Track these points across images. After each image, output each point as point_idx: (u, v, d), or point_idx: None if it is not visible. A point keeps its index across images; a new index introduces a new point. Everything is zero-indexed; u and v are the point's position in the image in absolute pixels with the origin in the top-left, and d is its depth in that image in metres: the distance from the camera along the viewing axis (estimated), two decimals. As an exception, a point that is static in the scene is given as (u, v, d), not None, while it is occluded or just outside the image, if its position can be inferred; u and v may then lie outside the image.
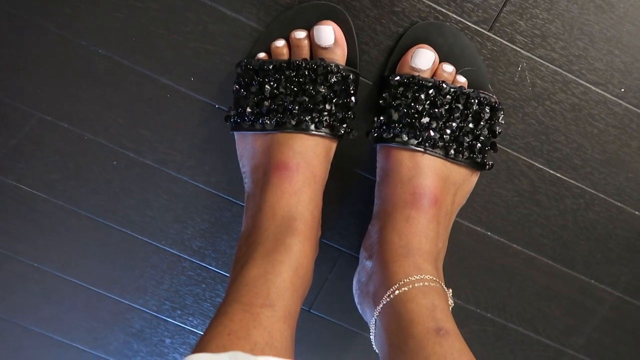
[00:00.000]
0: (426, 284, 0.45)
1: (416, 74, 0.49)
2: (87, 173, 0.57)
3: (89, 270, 0.62)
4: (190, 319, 0.64)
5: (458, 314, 0.61)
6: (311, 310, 0.62)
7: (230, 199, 0.58)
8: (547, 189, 0.56)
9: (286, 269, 0.44)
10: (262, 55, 0.50)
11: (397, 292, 0.45)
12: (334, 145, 0.51)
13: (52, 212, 0.59)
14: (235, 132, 0.52)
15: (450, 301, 0.48)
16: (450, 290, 0.48)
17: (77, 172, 0.57)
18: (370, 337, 0.48)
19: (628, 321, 0.62)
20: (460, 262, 0.60)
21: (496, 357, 0.64)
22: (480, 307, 0.61)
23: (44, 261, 0.61)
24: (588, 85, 0.53)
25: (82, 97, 0.54)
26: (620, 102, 0.53)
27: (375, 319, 0.47)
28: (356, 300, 0.54)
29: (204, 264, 0.61)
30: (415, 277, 0.45)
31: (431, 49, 0.50)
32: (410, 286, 0.45)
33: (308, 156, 0.48)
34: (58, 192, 0.58)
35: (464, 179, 0.51)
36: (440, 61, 0.51)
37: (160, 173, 0.57)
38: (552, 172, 0.56)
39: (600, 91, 0.53)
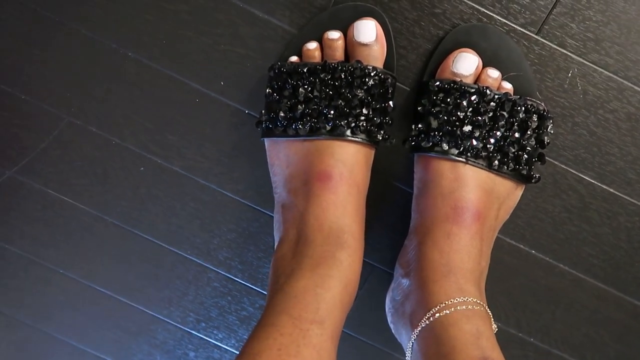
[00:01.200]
0: (469, 307, 0.42)
1: (458, 79, 0.46)
2: (114, 179, 0.56)
3: (114, 278, 0.60)
4: (214, 332, 0.61)
5: (497, 337, 0.57)
6: (341, 328, 0.59)
7: (259, 208, 0.56)
8: (598, 205, 0.52)
9: (336, 284, 0.41)
10: (294, 58, 0.48)
11: (437, 315, 0.42)
12: (372, 153, 0.48)
13: (78, 217, 0.58)
14: (266, 139, 0.49)
15: (494, 326, 0.44)
16: (492, 318, 0.44)
17: (104, 178, 0.56)
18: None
19: (686, 351, 0.57)
20: (501, 281, 0.56)
21: (539, 385, 0.59)
22: (522, 331, 0.57)
23: (69, 267, 0.60)
24: (646, 93, 0.49)
25: (111, 100, 0.53)
26: (682, 111, 0.49)
27: (412, 343, 0.43)
28: (389, 319, 0.50)
29: (230, 276, 0.59)
30: (458, 299, 0.42)
31: (474, 53, 0.47)
32: (453, 309, 0.41)
33: (350, 164, 0.45)
34: (85, 198, 0.57)
35: (509, 193, 0.48)
36: (484, 66, 0.48)
37: (188, 180, 0.55)
38: (604, 186, 0.52)
39: (659, 100, 0.49)
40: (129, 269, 0.59)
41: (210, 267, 0.59)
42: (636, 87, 0.49)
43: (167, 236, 0.58)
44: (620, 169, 0.51)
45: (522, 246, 0.54)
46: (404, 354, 0.51)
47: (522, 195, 0.50)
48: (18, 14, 0.51)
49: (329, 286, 0.41)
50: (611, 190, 0.52)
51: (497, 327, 0.57)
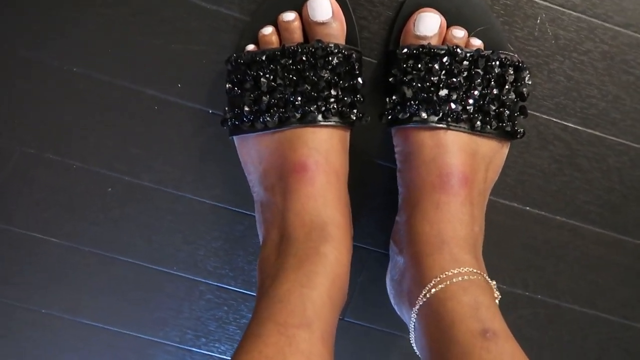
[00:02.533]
0: (466, 277, 0.40)
1: (424, 42, 0.44)
2: (82, 205, 0.53)
3: (101, 308, 0.57)
4: (217, 345, 0.59)
5: (504, 299, 0.56)
6: (345, 319, 0.57)
7: (240, 210, 0.53)
8: (586, 151, 0.51)
9: (322, 281, 0.39)
10: (251, 47, 0.45)
11: (433, 290, 0.40)
12: (347, 135, 0.46)
13: (52, 251, 0.54)
14: (235, 137, 0.46)
15: (497, 293, 0.43)
16: (494, 283, 0.43)
17: (71, 206, 0.53)
18: (411, 340, 0.43)
19: (692, 282, 0.56)
20: (499, 243, 0.54)
21: (552, 340, 0.58)
22: (528, 289, 0.56)
23: (52, 305, 0.57)
24: (617, 28, 0.47)
25: (63, 122, 0.50)
26: (657, 41, 0.47)
27: (414, 321, 0.42)
28: (392, 301, 0.48)
29: (222, 285, 0.56)
30: (453, 270, 0.40)
31: (435, 11, 0.44)
32: (448, 282, 0.39)
33: (325, 151, 0.43)
34: (54, 230, 0.54)
35: (495, 152, 0.46)
36: (449, 26, 0.45)
37: (160, 193, 0.52)
38: (589, 130, 0.50)
39: (632, 33, 0.47)
40: (115, 296, 0.56)
41: (200, 279, 0.56)
42: (606, 24, 0.47)
43: (149, 255, 0.55)
44: (603, 110, 0.49)
45: (515, 204, 0.53)
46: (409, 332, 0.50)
47: (508, 152, 0.48)
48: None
49: (315, 284, 0.39)
50: (597, 133, 0.50)
51: (503, 289, 0.56)
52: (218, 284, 0.56)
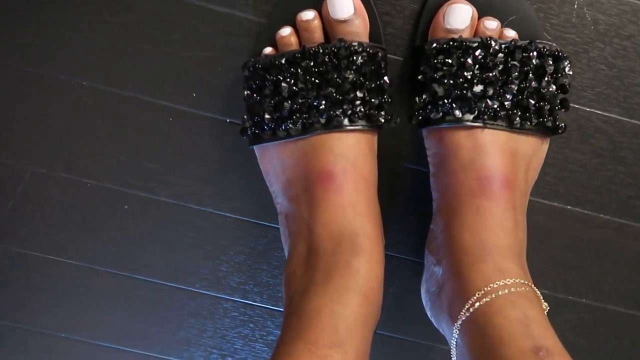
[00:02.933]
0: (513, 289, 0.37)
1: (455, 35, 0.41)
2: (98, 224, 0.50)
3: (122, 330, 0.55)
4: (243, 364, 0.56)
5: (547, 304, 0.52)
6: (377, 331, 0.54)
7: (263, 223, 0.50)
8: (630, 142, 0.47)
9: (354, 297, 0.36)
10: (268, 50, 0.42)
11: (477, 304, 0.37)
12: (375, 138, 0.43)
13: (68, 274, 0.52)
14: (255, 146, 0.44)
15: (545, 304, 0.39)
16: (541, 297, 0.39)
17: (86, 226, 0.50)
18: (452, 357, 0.40)
19: None
20: (540, 245, 0.51)
21: (600, 345, 0.55)
22: (572, 293, 0.53)
23: (70, 330, 0.55)
24: (663, 9, 0.43)
25: (73, 139, 0.47)
26: None
27: (456, 338, 0.39)
28: (429, 313, 0.45)
29: (247, 301, 0.53)
30: (499, 283, 0.37)
31: (466, 2, 0.41)
32: (494, 295, 0.36)
33: (353, 157, 0.40)
34: (70, 252, 0.51)
35: (535, 150, 0.43)
36: (480, 17, 0.42)
37: (179, 208, 0.50)
38: (633, 121, 0.47)
39: (679, 13, 0.44)
40: (136, 317, 0.54)
41: (224, 296, 0.53)
42: (651, 5, 0.43)
43: (170, 273, 0.52)
44: (648, 98, 0.46)
45: (556, 204, 0.49)
46: (447, 344, 0.47)
47: (547, 148, 0.45)
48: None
49: (347, 301, 0.36)
50: (642, 123, 0.47)
51: (545, 294, 0.53)
52: (243, 300, 0.53)
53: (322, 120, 0.39)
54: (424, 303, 0.46)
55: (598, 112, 0.46)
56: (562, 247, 0.51)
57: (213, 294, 0.53)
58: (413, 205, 0.49)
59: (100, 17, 0.44)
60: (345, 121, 0.40)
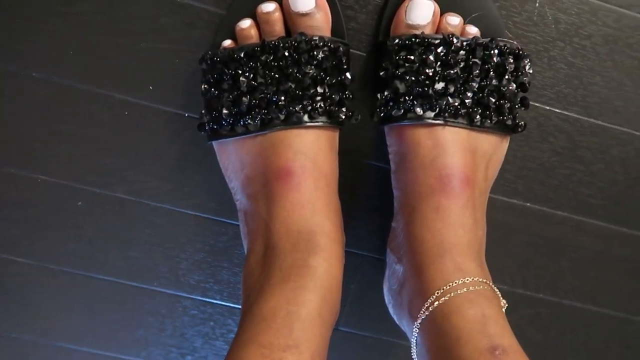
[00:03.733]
0: (472, 288, 0.37)
1: (417, 31, 0.40)
2: (51, 221, 0.48)
3: (78, 330, 0.53)
4: (203, 362, 0.55)
5: (505, 300, 0.53)
6: (340, 328, 0.54)
7: (224, 219, 0.49)
8: (588, 141, 0.48)
9: (311, 297, 0.36)
10: (227, 43, 0.41)
11: (436, 303, 0.37)
12: (336, 135, 0.42)
13: (21, 273, 0.50)
14: (213, 142, 0.43)
15: (503, 302, 0.40)
16: (499, 295, 0.40)
17: (39, 222, 0.48)
18: (412, 355, 0.40)
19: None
20: (500, 242, 0.51)
21: (555, 340, 0.56)
22: (530, 289, 0.53)
23: (23, 330, 0.53)
24: (621, 9, 0.44)
25: (24, 133, 0.45)
26: (661, 23, 0.45)
27: (416, 336, 0.39)
28: (391, 311, 0.45)
29: (207, 299, 0.52)
30: (457, 281, 0.37)
31: (428, -2, 0.41)
32: (452, 294, 0.36)
33: (312, 154, 0.39)
34: (23, 249, 0.49)
35: (495, 147, 0.43)
36: (442, 13, 0.42)
37: (137, 205, 0.48)
38: (591, 120, 0.47)
39: (636, 14, 0.44)
40: (93, 317, 0.52)
41: (183, 294, 0.52)
42: (609, 5, 0.44)
43: (127, 272, 0.51)
44: (606, 98, 0.47)
45: (515, 201, 0.50)
46: (409, 341, 0.47)
47: (507, 146, 0.45)
48: None
49: (303, 301, 0.35)
50: (599, 122, 0.47)
51: (503, 289, 0.53)
52: (202, 299, 0.52)
53: (282, 116, 0.39)
54: (387, 301, 0.46)
55: (557, 110, 0.47)
56: (521, 244, 0.52)
57: (172, 292, 0.52)
58: (376, 203, 0.49)
59: (53, 6, 0.42)
60: (305, 117, 0.39)
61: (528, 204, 0.50)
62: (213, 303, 0.53)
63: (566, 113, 0.47)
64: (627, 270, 0.53)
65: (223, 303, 0.53)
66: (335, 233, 0.40)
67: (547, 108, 0.47)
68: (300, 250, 0.37)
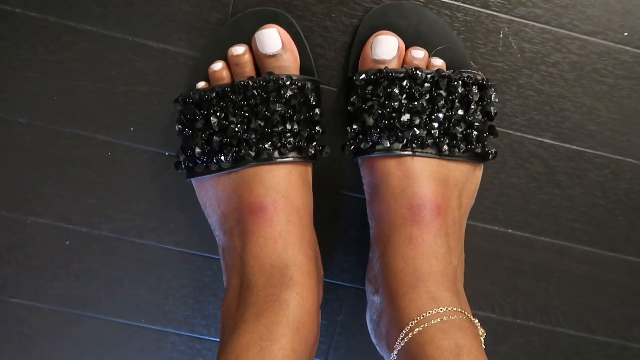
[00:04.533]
0: (445, 318, 0.37)
1: (382, 66, 0.42)
2: (40, 261, 0.50)
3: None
4: (194, 399, 0.55)
5: (496, 329, 0.53)
6: (327, 361, 0.53)
7: (208, 255, 0.50)
8: (565, 166, 0.48)
9: (284, 332, 0.36)
10: (201, 84, 0.43)
11: (411, 334, 0.37)
12: (309, 169, 0.43)
13: (10, 313, 0.51)
14: (192, 179, 0.44)
15: (481, 331, 0.40)
16: (478, 325, 0.40)
17: (28, 263, 0.50)
18: None
19: (691, 295, 0.53)
20: (485, 270, 0.51)
21: (550, 369, 0.55)
22: (520, 317, 0.53)
23: (15, 370, 0.53)
24: (585, 37, 0.45)
25: (12, 176, 0.47)
26: (627, 48, 0.45)
27: None
28: (374, 341, 0.45)
29: (195, 335, 0.53)
30: (431, 312, 0.37)
31: (392, 33, 0.42)
32: (427, 324, 0.37)
33: (284, 189, 0.40)
34: (12, 289, 0.50)
35: (467, 176, 0.43)
36: (408, 47, 0.43)
37: (122, 243, 0.49)
38: (566, 145, 0.48)
39: (600, 41, 0.45)
40: (82, 355, 0.53)
41: (172, 330, 0.52)
42: (573, 34, 0.45)
43: (115, 309, 0.51)
44: (578, 123, 0.47)
45: (497, 228, 0.50)
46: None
47: (483, 174, 0.46)
48: None
49: (276, 336, 0.36)
50: (574, 147, 0.48)
51: (492, 319, 0.53)
52: (190, 335, 0.53)
53: (253, 154, 0.40)
54: (370, 330, 0.46)
55: (531, 137, 0.47)
56: (507, 270, 0.52)
57: (160, 328, 0.52)
58: (356, 233, 0.50)
59: (36, 55, 0.44)
60: (276, 154, 0.40)
61: (510, 231, 0.50)
62: (201, 339, 0.53)
63: (540, 139, 0.47)
64: (616, 294, 0.53)
65: (210, 339, 0.53)
66: (308, 266, 0.40)
67: (520, 135, 0.47)
68: (273, 286, 0.38)
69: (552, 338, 0.54)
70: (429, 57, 0.43)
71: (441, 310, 0.37)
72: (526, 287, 0.52)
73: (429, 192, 0.41)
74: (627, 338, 0.54)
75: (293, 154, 0.41)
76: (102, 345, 0.53)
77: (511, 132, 0.47)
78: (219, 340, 0.53)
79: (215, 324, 0.52)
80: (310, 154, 0.41)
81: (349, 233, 0.50)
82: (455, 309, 0.38)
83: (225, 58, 0.43)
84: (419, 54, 0.42)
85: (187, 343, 0.53)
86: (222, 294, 0.52)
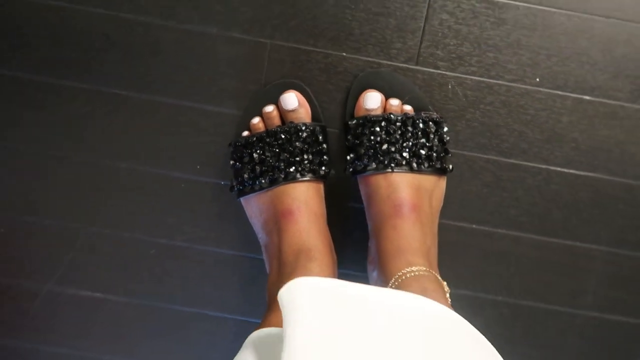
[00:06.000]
0: (416, 272, 0.53)
1: (369, 113, 0.61)
2: (133, 266, 0.68)
3: (152, 352, 0.71)
4: None
5: (472, 304, 0.68)
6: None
7: (254, 256, 0.69)
8: (507, 175, 0.66)
9: None
10: (245, 133, 0.63)
11: (392, 286, 0.53)
12: (321, 186, 0.62)
13: (110, 307, 0.69)
14: (241, 199, 0.63)
15: (447, 289, 0.56)
16: (445, 283, 0.55)
17: (124, 268, 0.68)
18: None
19: (623, 269, 0.68)
20: (458, 257, 0.68)
21: (520, 335, 0.69)
22: (490, 293, 0.69)
23: (112, 352, 0.71)
24: (509, 83, 0.64)
25: (114, 205, 0.67)
26: (540, 89, 0.64)
27: None
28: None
29: (246, 319, 0.70)
30: (407, 269, 0.53)
31: (376, 91, 0.62)
32: (404, 277, 0.53)
33: (304, 199, 0.58)
34: (111, 288, 0.69)
35: (434, 185, 0.62)
36: (387, 98, 0.63)
37: (191, 250, 0.68)
38: (506, 160, 0.66)
39: (520, 85, 0.64)
40: (162, 339, 0.71)
41: (228, 316, 0.70)
42: (500, 82, 0.64)
43: (185, 301, 0.70)
44: (513, 144, 0.65)
45: (464, 224, 0.67)
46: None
47: (448, 184, 0.64)
48: (28, 161, 0.66)
49: None
50: (512, 161, 0.66)
51: (468, 295, 0.68)
52: (243, 319, 0.70)
53: (282, 176, 0.59)
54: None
55: (480, 155, 0.66)
56: (475, 257, 0.68)
57: (219, 314, 0.70)
58: (359, 234, 0.68)
59: (133, 121, 0.65)
60: (298, 175, 0.59)
61: (473, 226, 0.67)
62: (251, 322, 0.71)
63: (487, 156, 0.66)
64: (562, 271, 0.68)
65: (258, 321, 0.70)
66: (325, 249, 0.58)
67: (472, 154, 0.66)
68: (300, 260, 0.56)
69: (517, 309, 0.69)
70: (402, 104, 0.62)
71: (414, 269, 0.54)
72: (492, 269, 0.69)
73: (407, 195, 0.59)
74: (574, 306, 0.69)
75: (309, 175, 0.60)
76: (171, 331, 0.70)
77: (465, 152, 0.66)
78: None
79: (262, 306, 0.70)
80: (321, 175, 0.60)
81: (355, 234, 0.68)
82: (424, 268, 0.54)
83: (260, 114, 0.63)
84: (394, 102, 0.62)
85: (240, 325, 0.71)
86: (265, 283, 0.70)
